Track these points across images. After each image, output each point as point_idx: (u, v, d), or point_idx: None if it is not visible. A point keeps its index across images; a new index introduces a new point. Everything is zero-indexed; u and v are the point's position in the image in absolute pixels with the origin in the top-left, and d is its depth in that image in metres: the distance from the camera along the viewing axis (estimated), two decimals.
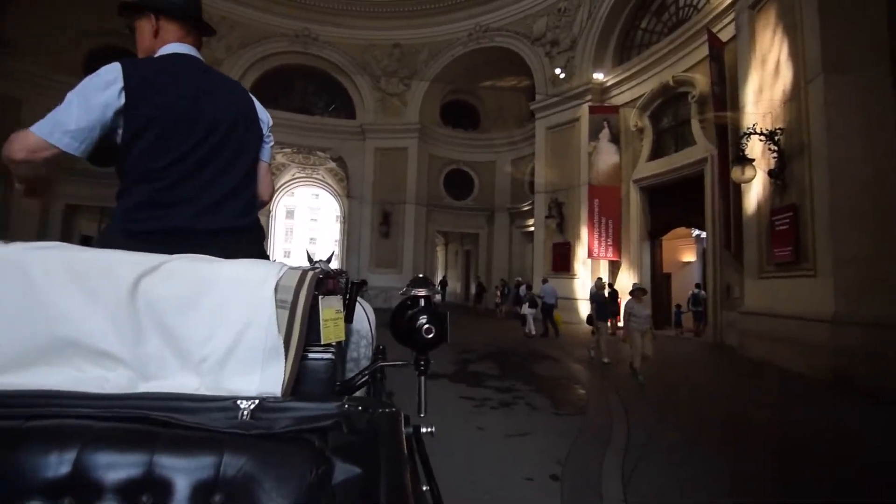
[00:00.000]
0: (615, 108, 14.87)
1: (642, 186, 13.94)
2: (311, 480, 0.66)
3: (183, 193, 1.21)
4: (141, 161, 1.19)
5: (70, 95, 1.13)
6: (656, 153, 13.73)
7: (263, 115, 1.44)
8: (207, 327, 0.82)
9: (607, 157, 14.77)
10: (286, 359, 0.83)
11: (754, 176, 8.61)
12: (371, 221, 20.05)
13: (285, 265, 0.91)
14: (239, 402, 0.74)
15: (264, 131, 1.44)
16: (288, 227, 48.97)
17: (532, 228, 19.68)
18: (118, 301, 0.81)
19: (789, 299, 7.92)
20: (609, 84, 15.12)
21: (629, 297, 7.66)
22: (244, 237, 1.30)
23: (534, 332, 12.37)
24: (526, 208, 19.82)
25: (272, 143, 1.51)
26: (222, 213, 1.25)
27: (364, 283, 1.24)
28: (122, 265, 0.84)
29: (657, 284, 14.03)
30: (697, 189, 11.98)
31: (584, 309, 15.19)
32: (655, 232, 13.99)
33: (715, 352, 10.61)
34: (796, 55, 7.95)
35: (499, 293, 19.47)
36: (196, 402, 0.74)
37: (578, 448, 4.18)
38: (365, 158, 20.09)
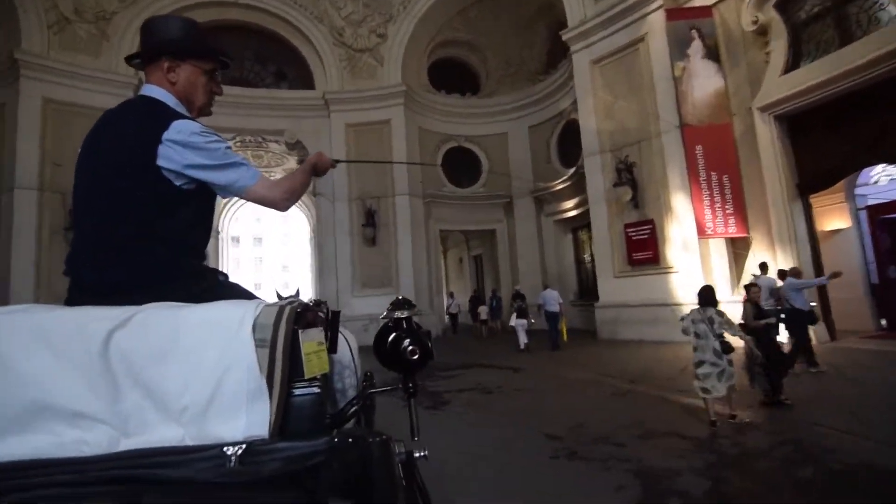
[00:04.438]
0: (707, 9, 9.78)
1: (778, 115, 8.76)
2: None
3: (75, 243, 1.18)
4: None
5: None
6: (796, 60, 8.62)
7: (167, 150, 1.14)
8: (185, 375, 0.78)
9: (705, 81, 9.59)
10: (270, 398, 0.78)
11: None
12: (350, 225, 14.40)
13: (262, 302, 0.87)
14: (225, 448, 0.72)
15: (166, 166, 1.14)
16: (257, 255, 44.94)
17: (572, 213, 14.38)
18: (90, 358, 0.77)
19: None
20: None
21: None
22: (158, 292, 1.00)
23: (529, 345, 10.35)
24: (559, 187, 14.52)
25: (224, 183, 1.20)
26: (106, 268, 1.11)
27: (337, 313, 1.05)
28: (91, 321, 0.80)
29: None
30: None
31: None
32: (806, 185, 8.79)
33: None
34: None
35: (486, 307, 14.74)
36: (180, 454, 0.72)
37: None
38: (332, 139, 14.49)
